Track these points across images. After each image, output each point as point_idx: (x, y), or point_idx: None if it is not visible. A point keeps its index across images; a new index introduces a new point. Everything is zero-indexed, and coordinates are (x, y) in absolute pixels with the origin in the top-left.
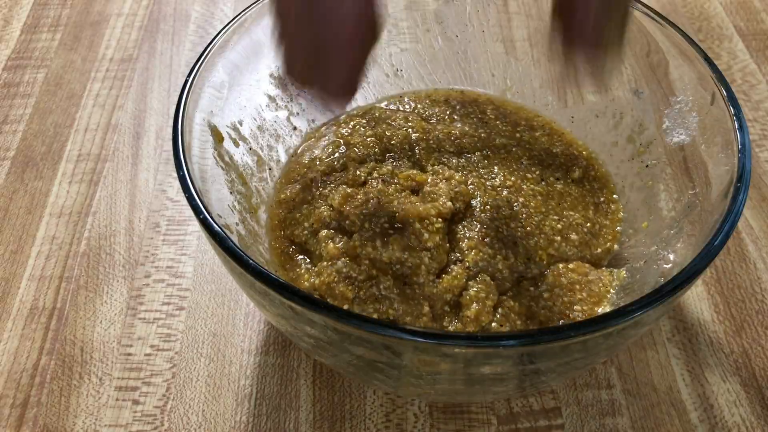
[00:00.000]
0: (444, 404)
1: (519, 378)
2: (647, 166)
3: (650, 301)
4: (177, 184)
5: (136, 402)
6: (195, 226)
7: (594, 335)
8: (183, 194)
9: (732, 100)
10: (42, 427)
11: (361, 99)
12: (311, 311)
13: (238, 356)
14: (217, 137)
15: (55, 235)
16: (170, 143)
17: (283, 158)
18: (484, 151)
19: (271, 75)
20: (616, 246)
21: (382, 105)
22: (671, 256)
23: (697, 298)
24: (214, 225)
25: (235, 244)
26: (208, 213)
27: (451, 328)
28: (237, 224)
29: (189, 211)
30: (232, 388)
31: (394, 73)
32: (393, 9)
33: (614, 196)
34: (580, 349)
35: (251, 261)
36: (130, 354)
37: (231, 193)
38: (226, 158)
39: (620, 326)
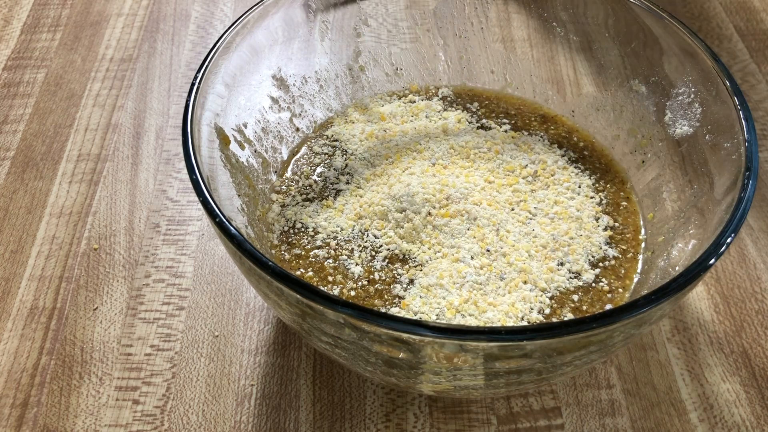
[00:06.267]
0: (444, 404)
1: (537, 371)
2: (650, 157)
3: (667, 291)
4: (177, 184)
5: (136, 402)
6: (195, 226)
7: (616, 325)
8: (188, 196)
9: (736, 91)
10: (42, 427)
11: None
12: (329, 309)
13: (238, 356)
14: (224, 140)
15: (55, 235)
16: (170, 143)
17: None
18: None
19: (273, 76)
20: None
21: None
22: (679, 248)
23: (697, 298)
24: (231, 228)
25: (253, 246)
26: (223, 216)
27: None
28: (246, 227)
29: (189, 211)
30: (232, 388)
31: (394, 71)
32: (393, 8)
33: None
34: (598, 341)
35: (270, 262)
36: (130, 354)
37: (239, 195)
38: (233, 161)
39: (637, 317)
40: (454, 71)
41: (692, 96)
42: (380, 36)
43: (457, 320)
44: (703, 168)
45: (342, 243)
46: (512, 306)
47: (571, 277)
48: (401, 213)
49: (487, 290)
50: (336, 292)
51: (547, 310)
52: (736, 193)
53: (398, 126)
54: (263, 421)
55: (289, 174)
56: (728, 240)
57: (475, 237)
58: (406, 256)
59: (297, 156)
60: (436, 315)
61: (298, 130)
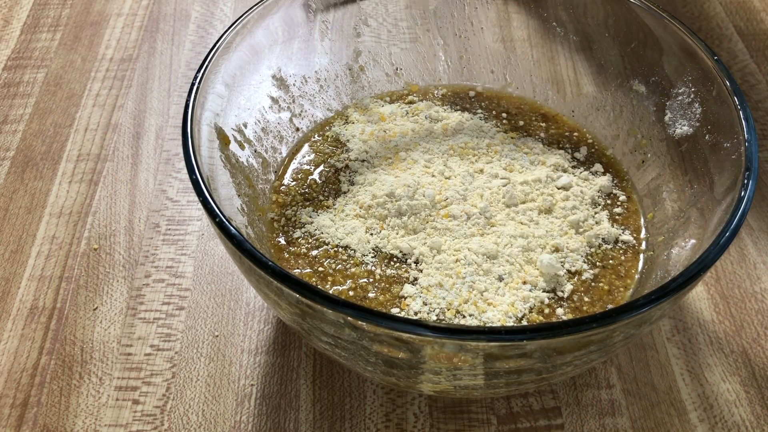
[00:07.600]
0: (444, 404)
1: (537, 371)
2: (650, 157)
3: (667, 291)
4: (177, 184)
5: (136, 402)
6: (195, 226)
7: (616, 325)
8: (188, 196)
9: (736, 91)
10: (42, 427)
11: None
12: (329, 309)
13: (238, 356)
14: (224, 140)
15: (55, 235)
16: (170, 143)
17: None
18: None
19: (273, 76)
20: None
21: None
22: (679, 248)
23: (697, 298)
24: (231, 228)
25: (252, 245)
26: (223, 216)
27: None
28: (246, 227)
29: (189, 211)
30: (232, 388)
31: (394, 71)
32: (393, 8)
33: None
34: (598, 340)
35: (270, 262)
36: (130, 354)
37: (239, 195)
38: (233, 161)
39: (637, 317)
40: (454, 71)
41: (692, 96)
42: (380, 36)
43: (457, 320)
44: (703, 168)
45: (341, 243)
46: (512, 306)
47: (570, 277)
48: (401, 213)
49: (487, 290)
50: (336, 292)
51: (547, 310)
52: (736, 193)
53: (398, 126)
54: (263, 421)
55: (289, 174)
56: (728, 240)
57: (474, 237)
58: (406, 257)
59: (297, 156)
60: (436, 315)
61: (298, 130)
